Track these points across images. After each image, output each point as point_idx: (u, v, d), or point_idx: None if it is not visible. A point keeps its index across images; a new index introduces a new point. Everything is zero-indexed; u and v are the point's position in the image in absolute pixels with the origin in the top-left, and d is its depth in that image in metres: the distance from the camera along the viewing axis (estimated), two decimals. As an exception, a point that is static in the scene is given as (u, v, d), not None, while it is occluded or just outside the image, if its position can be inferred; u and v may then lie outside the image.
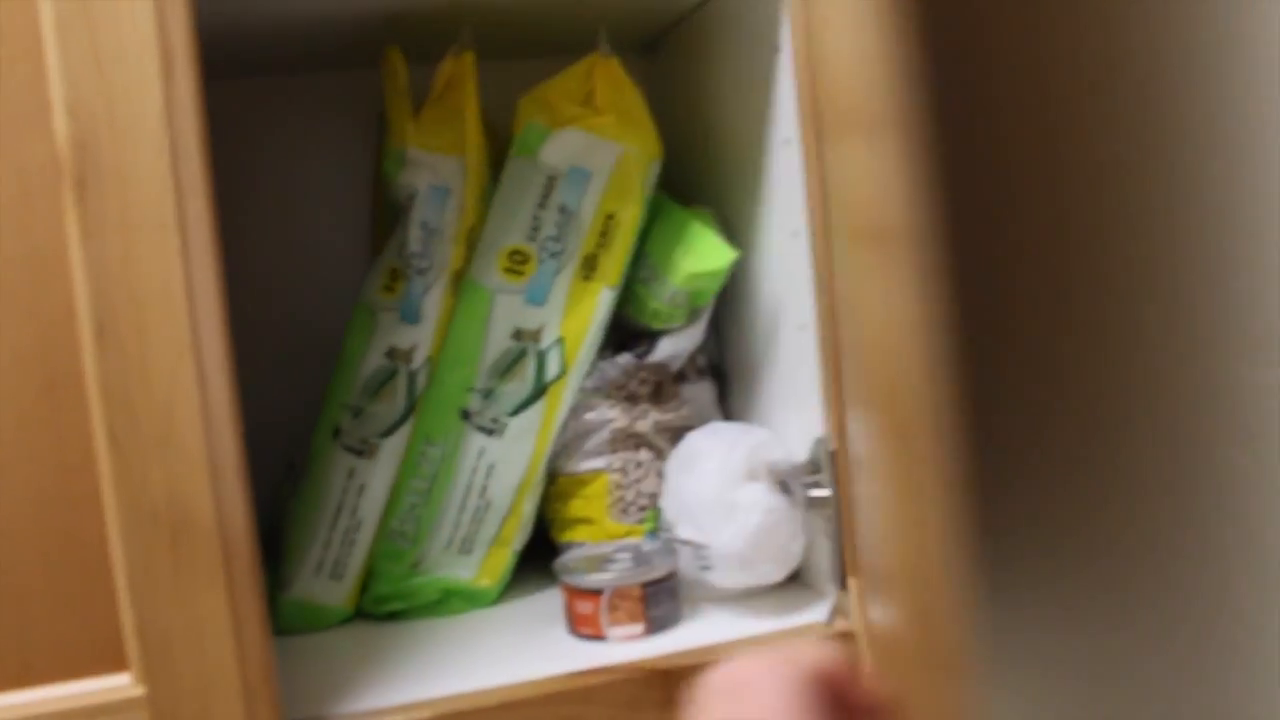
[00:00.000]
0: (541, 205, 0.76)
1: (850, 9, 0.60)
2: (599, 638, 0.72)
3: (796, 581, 0.79)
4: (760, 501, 0.72)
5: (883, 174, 0.57)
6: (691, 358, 0.86)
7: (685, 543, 0.74)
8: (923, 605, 0.59)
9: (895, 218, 0.56)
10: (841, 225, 0.63)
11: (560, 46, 0.91)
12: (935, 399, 0.52)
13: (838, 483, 0.65)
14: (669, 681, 0.67)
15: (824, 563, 0.73)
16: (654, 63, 1.01)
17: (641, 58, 1.02)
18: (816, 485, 0.68)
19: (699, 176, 0.92)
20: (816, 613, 0.73)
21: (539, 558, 0.83)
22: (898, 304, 0.56)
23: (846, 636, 0.69)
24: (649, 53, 1.02)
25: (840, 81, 0.63)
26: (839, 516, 0.65)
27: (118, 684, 0.58)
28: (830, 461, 0.65)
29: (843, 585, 0.67)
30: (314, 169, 0.98)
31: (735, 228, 0.83)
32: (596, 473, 0.82)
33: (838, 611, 0.70)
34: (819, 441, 0.69)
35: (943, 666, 0.56)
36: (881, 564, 0.64)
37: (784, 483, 0.72)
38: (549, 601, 0.80)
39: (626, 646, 0.71)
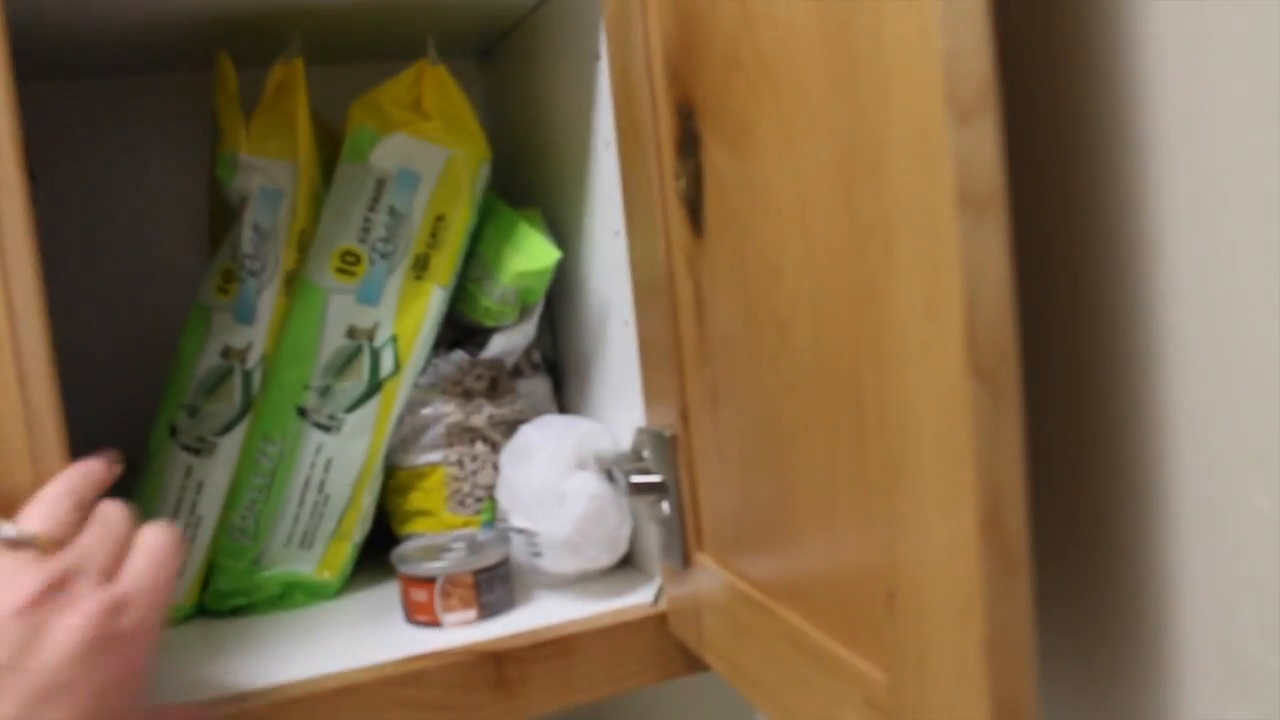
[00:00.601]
0: (372, 208, 0.78)
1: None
2: (434, 624, 0.74)
3: (626, 566, 0.82)
4: (586, 489, 0.76)
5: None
6: (526, 354, 0.89)
7: (519, 531, 0.78)
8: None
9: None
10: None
11: (394, 51, 0.93)
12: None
13: (680, 466, 0.68)
14: (501, 663, 0.70)
15: (651, 547, 0.77)
16: (488, 67, 1.04)
17: (476, 62, 1.05)
18: (640, 472, 0.72)
19: (530, 178, 0.95)
20: (644, 594, 0.76)
21: (381, 551, 0.85)
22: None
23: (668, 617, 0.73)
24: (483, 58, 1.05)
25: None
26: (680, 498, 0.68)
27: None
28: (671, 447, 0.68)
29: (686, 563, 0.69)
30: (151, 169, 0.99)
31: (564, 227, 0.87)
32: (434, 466, 0.85)
33: (663, 593, 0.74)
34: (640, 431, 0.73)
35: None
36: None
37: (610, 471, 0.76)
38: (389, 592, 0.82)
39: (460, 631, 0.73)
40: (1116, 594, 0.49)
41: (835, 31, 0.43)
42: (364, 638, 0.75)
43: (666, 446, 0.68)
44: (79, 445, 0.83)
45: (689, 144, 0.60)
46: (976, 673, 0.39)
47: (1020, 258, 0.39)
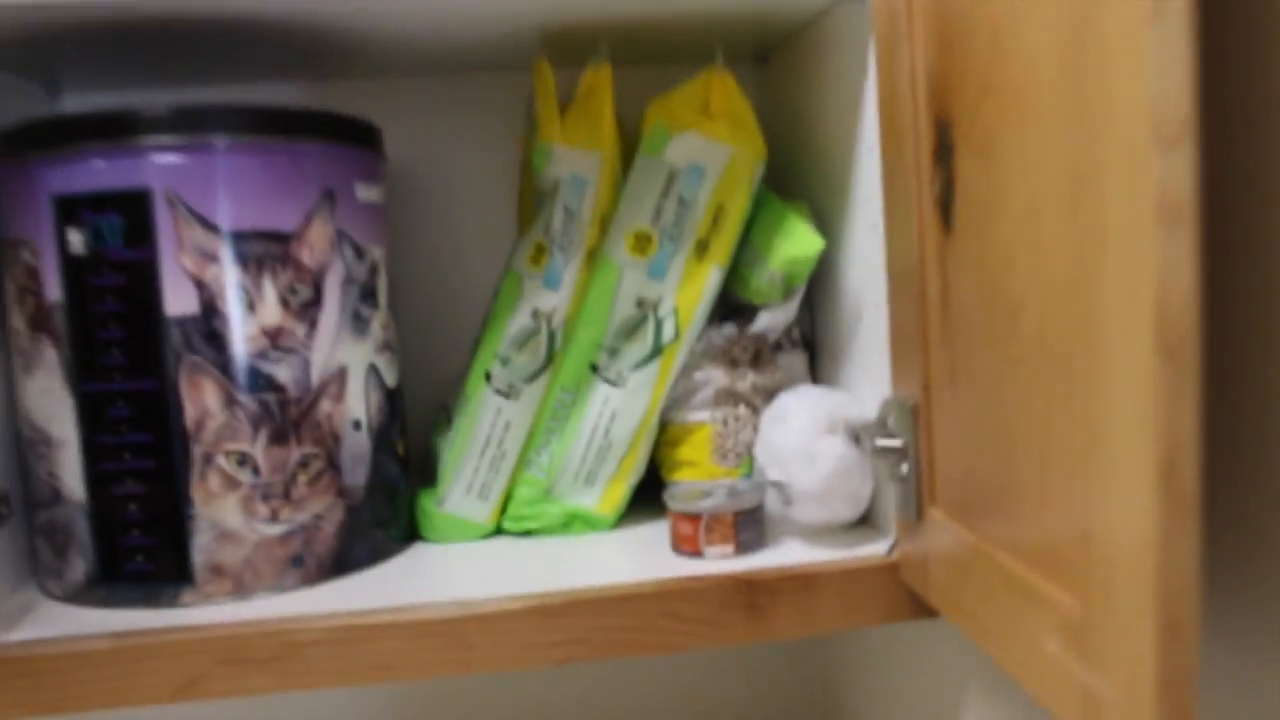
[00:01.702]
0: (664, 196, 0.91)
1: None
2: (697, 555, 0.87)
3: (865, 524, 0.93)
4: (836, 450, 0.86)
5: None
6: (787, 330, 1.00)
7: (773, 484, 0.89)
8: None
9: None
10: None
11: (684, 56, 1.06)
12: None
13: (920, 431, 0.78)
14: (753, 589, 0.81)
15: (888, 508, 0.88)
16: (765, 70, 1.16)
17: (755, 66, 1.17)
18: (884, 437, 0.82)
19: (798, 172, 1.06)
20: (879, 546, 0.87)
21: (650, 494, 0.98)
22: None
23: (900, 566, 0.83)
24: (761, 61, 1.16)
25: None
26: (918, 459, 0.78)
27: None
28: (914, 415, 0.78)
29: (919, 515, 0.79)
30: (468, 154, 1.15)
31: (826, 219, 0.98)
32: (701, 424, 0.97)
33: (899, 544, 0.84)
34: (887, 401, 0.83)
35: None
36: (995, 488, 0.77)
37: (857, 436, 0.86)
38: (657, 529, 0.95)
39: (719, 562, 0.85)
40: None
41: (1071, 69, 0.53)
42: (638, 561, 0.88)
43: (910, 414, 0.78)
44: (406, 387, 0.99)
45: (943, 153, 0.70)
46: (1150, 598, 0.48)
47: (1215, 254, 0.48)
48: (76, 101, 1.10)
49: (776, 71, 1.13)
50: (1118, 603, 0.51)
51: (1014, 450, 0.63)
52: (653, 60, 1.10)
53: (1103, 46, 0.50)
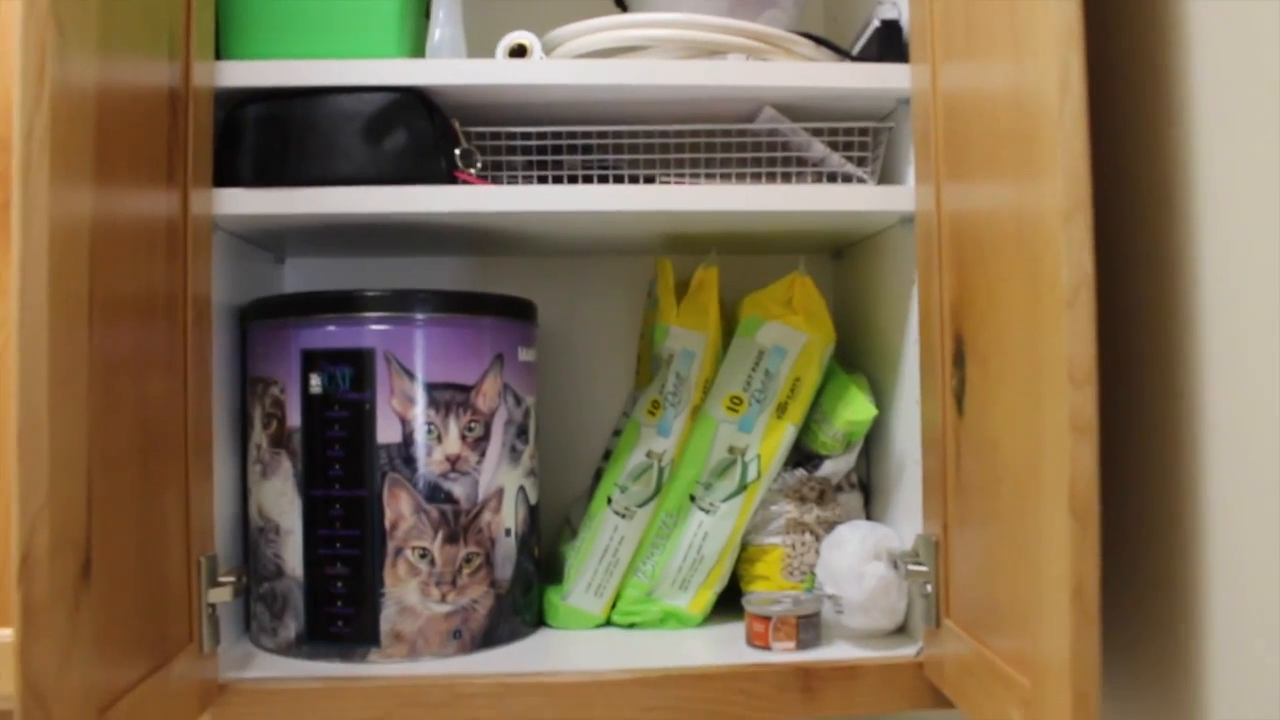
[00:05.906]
0: (754, 369, 1.18)
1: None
2: (766, 648, 1.11)
3: (901, 632, 1.17)
4: (879, 573, 1.11)
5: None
6: (846, 475, 1.25)
7: (829, 596, 1.14)
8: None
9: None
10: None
11: (776, 250, 1.34)
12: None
13: (940, 561, 1.03)
14: (808, 676, 1.06)
15: (918, 620, 1.12)
16: (839, 263, 1.44)
17: (831, 260, 1.45)
18: (915, 564, 1.07)
19: (862, 348, 1.33)
20: (910, 650, 1.11)
21: (731, 600, 1.23)
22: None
23: (924, 665, 1.07)
24: (837, 257, 1.44)
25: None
26: (938, 581, 1.03)
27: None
28: (935, 548, 1.03)
29: (937, 624, 1.04)
30: (597, 318, 1.44)
31: (880, 389, 1.24)
32: (775, 546, 1.22)
33: (924, 649, 1.08)
34: (919, 536, 1.08)
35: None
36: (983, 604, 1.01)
37: (895, 562, 1.11)
38: (735, 629, 1.20)
39: (783, 655, 1.10)
40: (1160, 648, 0.81)
41: (1028, 326, 0.79)
42: (719, 650, 1.13)
43: (933, 547, 1.03)
44: (542, 511, 1.26)
45: (959, 359, 0.96)
46: (1067, 677, 0.73)
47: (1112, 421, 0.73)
48: (296, 265, 1.41)
49: (848, 264, 1.40)
50: (1050, 681, 0.76)
51: (996, 580, 0.88)
52: (751, 251, 1.38)
53: (1044, 320, 0.76)
